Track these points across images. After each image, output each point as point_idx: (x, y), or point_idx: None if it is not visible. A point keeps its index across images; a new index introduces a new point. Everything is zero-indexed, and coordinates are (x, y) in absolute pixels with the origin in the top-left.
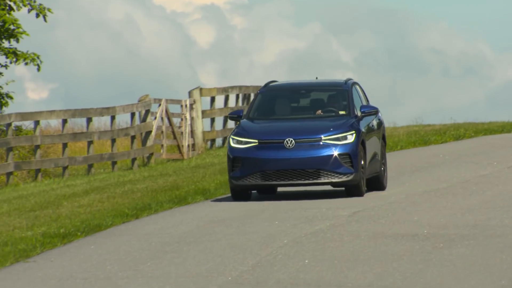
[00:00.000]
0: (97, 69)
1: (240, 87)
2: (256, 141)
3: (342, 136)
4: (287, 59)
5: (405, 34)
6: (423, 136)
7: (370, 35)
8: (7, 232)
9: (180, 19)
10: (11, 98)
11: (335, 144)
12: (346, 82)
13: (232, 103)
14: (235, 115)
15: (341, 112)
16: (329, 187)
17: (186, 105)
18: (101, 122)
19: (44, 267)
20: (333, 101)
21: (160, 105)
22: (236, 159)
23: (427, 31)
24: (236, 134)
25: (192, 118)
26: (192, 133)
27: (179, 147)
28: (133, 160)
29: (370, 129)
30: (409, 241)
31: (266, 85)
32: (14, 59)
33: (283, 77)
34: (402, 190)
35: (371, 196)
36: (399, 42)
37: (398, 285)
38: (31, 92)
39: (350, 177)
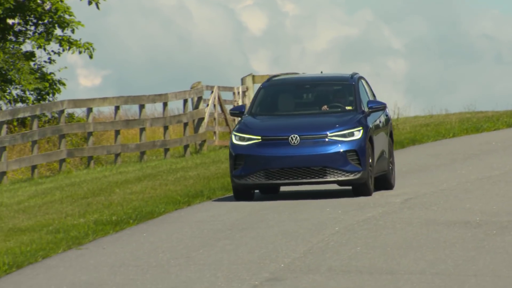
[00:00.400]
0: (149, 56)
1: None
2: (259, 137)
3: (348, 133)
4: (338, 46)
5: (457, 20)
6: (476, 123)
7: (422, 21)
8: (59, 219)
9: (232, 5)
10: (63, 85)
11: (341, 141)
12: (352, 76)
13: None
14: (237, 111)
15: (348, 108)
16: (335, 186)
17: (238, 92)
18: (154, 109)
19: (96, 254)
20: (339, 96)
21: (212, 92)
22: (238, 157)
23: (479, 17)
24: (238, 131)
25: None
26: None
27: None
28: (186, 147)
29: (377, 126)
30: (462, 228)
31: (269, 79)
32: (67, 47)
33: (335, 65)
34: (454, 177)
35: (423, 183)
36: (450, 28)
37: (451, 272)
38: (84, 78)
39: (358, 175)
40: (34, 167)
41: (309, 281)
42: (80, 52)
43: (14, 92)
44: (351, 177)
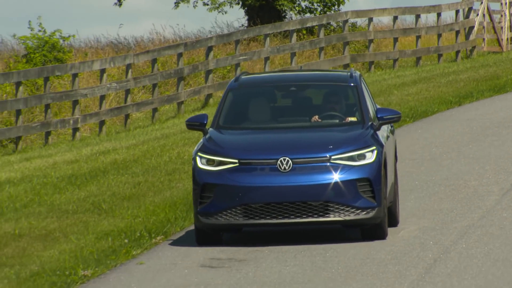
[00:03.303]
0: None
1: None
2: (236, 160)
3: (358, 154)
4: None
5: None
6: None
7: None
8: None
9: None
10: None
11: (349, 166)
12: (351, 74)
13: None
14: (196, 122)
15: (351, 119)
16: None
17: (505, 3)
18: (428, 19)
19: None
20: (336, 101)
21: (482, 3)
22: (206, 187)
23: None
24: (205, 150)
25: (511, 14)
26: (511, 27)
27: (498, 41)
28: (457, 52)
29: (388, 144)
30: None
31: (238, 78)
32: None
33: None
34: None
35: None
36: None
37: None
38: None
39: (371, 214)
40: None
41: None
42: None
43: (302, 4)
44: (362, 215)
